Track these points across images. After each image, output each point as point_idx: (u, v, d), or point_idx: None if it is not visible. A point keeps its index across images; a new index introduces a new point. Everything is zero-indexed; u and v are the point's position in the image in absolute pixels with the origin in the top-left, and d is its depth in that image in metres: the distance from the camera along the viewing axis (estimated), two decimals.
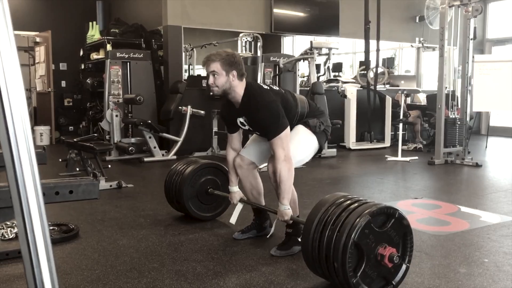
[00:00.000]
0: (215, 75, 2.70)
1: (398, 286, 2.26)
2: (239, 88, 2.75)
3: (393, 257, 2.14)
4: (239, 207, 3.12)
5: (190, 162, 3.56)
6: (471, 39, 6.43)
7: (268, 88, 2.83)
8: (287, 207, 2.74)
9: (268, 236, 3.00)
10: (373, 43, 7.23)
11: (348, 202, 2.24)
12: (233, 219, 3.12)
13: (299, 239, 2.85)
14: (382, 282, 2.22)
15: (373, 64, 7.58)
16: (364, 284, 2.13)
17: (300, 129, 2.90)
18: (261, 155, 3.00)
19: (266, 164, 2.97)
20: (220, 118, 3.11)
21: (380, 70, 7.90)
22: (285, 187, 2.70)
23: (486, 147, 8.34)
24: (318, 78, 7.62)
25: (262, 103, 2.69)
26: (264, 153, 2.96)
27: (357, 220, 2.09)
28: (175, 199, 3.51)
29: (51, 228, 3.19)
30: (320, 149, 3.03)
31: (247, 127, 2.88)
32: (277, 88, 2.94)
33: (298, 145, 2.85)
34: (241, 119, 2.85)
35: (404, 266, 2.26)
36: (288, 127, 2.72)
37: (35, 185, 0.68)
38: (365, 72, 7.82)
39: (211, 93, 2.80)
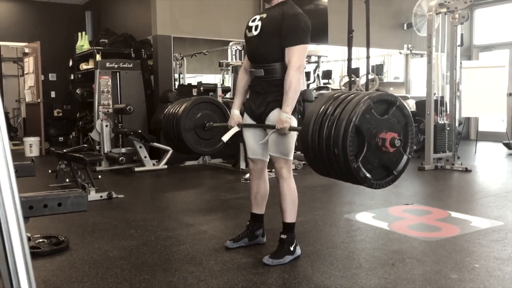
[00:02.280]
0: None
1: (399, 176, 2.25)
2: None
3: (395, 140, 2.11)
4: (235, 129, 3.02)
5: (188, 100, 3.46)
6: (459, 46, 6.50)
7: None
8: (288, 116, 2.67)
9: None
10: (363, 50, 7.27)
11: (346, 94, 2.22)
12: (225, 138, 3.01)
13: (291, 248, 2.86)
14: (384, 172, 2.20)
15: (362, 71, 7.62)
16: (365, 170, 2.09)
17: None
18: (262, 147, 2.96)
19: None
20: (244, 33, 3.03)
21: (370, 76, 7.95)
22: (292, 95, 2.66)
23: (475, 152, 8.41)
24: (308, 85, 7.65)
25: (300, 12, 2.73)
26: (260, 146, 2.94)
27: (358, 105, 2.05)
28: (173, 135, 3.39)
29: (40, 240, 3.16)
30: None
31: (255, 24, 2.82)
32: None
33: (291, 139, 2.82)
34: (259, 16, 2.84)
35: (405, 157, 2.23)
36: (308, 46, 2.73)
37: (14, 202, 0.67)
38: (348, 80, 7.86)
39: None
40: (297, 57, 2.67)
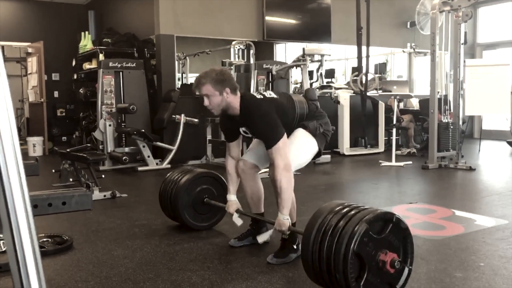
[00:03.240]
0: (209, 97, 2.71)
1: None
2: (235, 102, 2.76)
3: (395, 262, 2.13)
4: (235, 215, 3.08)
5: (186, 171, 3.54)
6: (462, 44, 6.48)
7: (262, 97, 2.82)
8: (286, 217, 2.70)
9: (259, 241, 2.92)
10: (363, 49, 7.27)
11: (346, 210, 2.22)
12: (238, 223, 3.07)
13: (295, 246, 2.85)
14: (386, 287, 2.21)
15: (364, 70, 7.61)
16: None
17: (300, 132, 2.89)
18: (263, 158, 2.98)
19: (266, 170, 2.98)
20: (220, 128, 3.12)
21: (370, 76, 7.94)
22: (285, 197, 2.68)
23: (479, 150, 8.38)
24: (311, 84, 7.64)
25: (257, 114, 2.70)
26: (266, 158, 2.93)
27: (355, 228, 2.07)
28: (170, 207, 3.48)
29: (44, 239, 3.17)
30: (319, 153, 3.00)
31: (250, 135, 2.91)
32: (271, 95, 2.90)
33: (299, 148, 2.85)
34: (244, 128, 2.88)
35: (406, 270, 2.25)
36: (285, 135, 2.72)
37: (23, 198, 0.67)
38: (357, 78, 7.86)
39: (215, 113, 2.86)
40: (279, 155, 2.66)
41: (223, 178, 3.50)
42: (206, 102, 2.73)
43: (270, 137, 2.68)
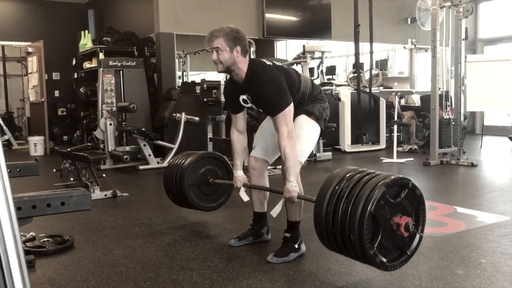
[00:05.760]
0: (219, 51, 2.68)
1: (413, 256, 2.27)
2: (242, 64, 2.72)
3: (409, 225, 2.15)
4: (242, 190, 3.06)
5: (190, 154, 3.49)
6: (463, 40, 6.45)
7: (271, 64, 2.79)
8: (294, 184, 2.67)
9: (274, 215, 2.83)
10: (366, 45, 7.25)
11: (359, 175, 2.23)
12: (245, 198, 3.06)
13: (296, 246, 2.84)
14: (397, 252, 2.23)
15: (366, 66, 7.58)
16: (381, 255, 2.13)
17: (304, 122, 2.85)
18: (270, 150, 2.97)
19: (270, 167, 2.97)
20: (225, 100, 3.09)
21: (374, 72, 7.92)
22: (290, 164, 2.65)
23: (481, 146, 8.36)
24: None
25: (265, 80, 2.67)
26: (273, 147, 2.94)
27: (372, 191, 2.08)
28: (175, 189, 3.41)
29: (45, 239, 3.16)
30: (321, 133, 2.98)
31: (249, 105, 2.85)
32: (280, 64, 2.88)
33: (306, 140, 2.82)
34: (244, 96, 2.82)
35: (418, 236, 2.27)
36: (292, 104, 2.70)
37: (7, 203, 0.66)
38: (356, 74, 7.83)
39: (217, 70, 2.78)
40: (284, 124, 2.64)
41: (227, 160, 3.49)
42: (215, 56, 2.69)
43: (277, 103, 2.66)
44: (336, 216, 2.16)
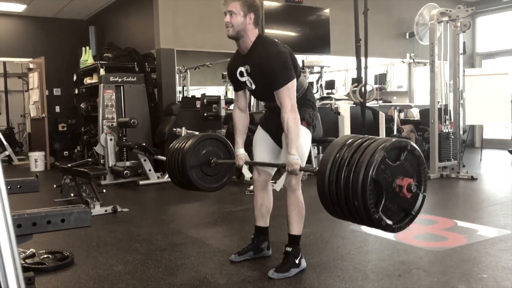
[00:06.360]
0: (232, 15, 2.72)
1: (418, 215, 2.28)
2: (251, 33, 2.77)
3: (411, 186, 2.18)
4: (245, 167, 3.05)
5: (190, 137, 3.43)
6: (461, 54, 6.50)
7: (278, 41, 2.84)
8: (296, 157, 2.67)
9: (277, 190, 2.80)
10: (363, 60, 7.29)
11: (359, 141, 2.25)
12: (247, 175, 3.04)
13: (297, 261, 2.84)
14: (402, 213, 2.25)
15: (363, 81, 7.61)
16: (386, 218, 2.15)
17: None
18: (270, 160, 2.98)
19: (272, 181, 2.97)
20: (228, 77, 3.10)
21: (369, 88, 7.95)
22: (293, 137, 2.67)
23: (480, 160, 8.36)
24: None
25: (273, 52, 2.70)
26: (269, 158, 2.96)
27: (372, 157, 2.10)
28: (177, 171, 3.35)
29: (45, 256, 3.16)
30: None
31: (244, 78, 2.86)
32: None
33: (301, 151, 2.81)
34: (242, 68, 2.84)
35: (421, 196, 2.29)
36: (295, 80, 2.73)
37: (6, 222, 0.66)
38: (355, 88, 7.87)
39: (228, 34, 2.80)
40: (288, 97, 2.67)
41: (228, 141, 3.49)
42: (228, 18, 2.73)
43: (282, 76, 2.68)
44: (338, 184, 2.18)
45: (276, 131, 2.90)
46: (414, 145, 2.27)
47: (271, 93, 2.75)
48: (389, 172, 2.16)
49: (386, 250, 3.33)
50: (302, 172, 2.85)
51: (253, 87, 2.88)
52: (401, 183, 2.17)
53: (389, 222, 2.17)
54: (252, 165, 3.06)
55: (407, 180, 2.18)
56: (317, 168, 2.34)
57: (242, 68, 2.85)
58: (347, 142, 2.27)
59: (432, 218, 4.25)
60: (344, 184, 2.15)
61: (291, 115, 2.66)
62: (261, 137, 3.04)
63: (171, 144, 3.48)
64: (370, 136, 2.31)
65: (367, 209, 2.09)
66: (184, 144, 3.34)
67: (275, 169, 3.03)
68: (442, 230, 3.83)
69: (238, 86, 2.99)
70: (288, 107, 2.66)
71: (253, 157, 3.12)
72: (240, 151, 3.05)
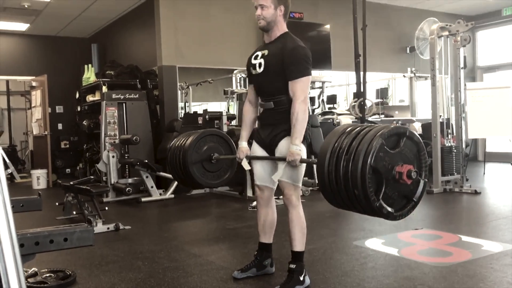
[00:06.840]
0: (264, 8, 2.80)
1: (419, 202, 2.26)
2: (280, 25, 2.87)
3: (411, 173, 2.16)
4: (245, 160, 3.04)
5: (191, 133, 3.43)
6: (462, 68, 6.52)
7: None
8: (299, 148, 2.69)
9: (275, 180, 2.85)
10: (368, 74, 7.33)
11: (357, 129, 2.24)
12: (246, 168, 3.04)
13: (301, 278, 2.82)
14: (403, 200, 2.23)
15: (367, 95, 7.64)
16: (387, 206, 2.13)
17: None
18: (267, 176, 2.96)
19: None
20: (247, 69, 3.10)
21: (368, 103, 7.97)
22: (299, 128, 2.70)
23: (484, 173, 8.33)
24: (313, 111, 7.68)
25: (297, 45, 2.80)
26: (268, 172, 2.95)
27: (370, 144, 2.09)
28: (179, 168, 3.36)
29: (47, 275, 3.14)
30: None
31: (257, 61, 2.90)
32: None
33: (302, 165, 2.81)
34: (260, 52, 2.91)
35: (422, 182, 2.26)
36: (311, 77, 2.81)
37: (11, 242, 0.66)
38: (356, 103, 7.89)
39: (259, 26, 2.88)
40: (301, 89, 2.74)
41: (229, 138, 3.48)
42: (259, 11, 2.80)
43: (302, 67, 2.75)
44: (338, 173, 2.17)
45: (270, 143, 2.90)
46: (413, 131, 2.27)
47: (275, 84, 2.81)
48: (388, 159, 2.14)
49: (390, 266, 3.30)
50: (301, 186, 2.85)
51: (260, 70, 2.91)
52: (401, 169, 2.16)
53: (390, 209, 2.15)
54: (252, 159, 3.04)
55: (407, 167, 2.16)
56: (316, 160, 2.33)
57: (259, 52, 2.94)
58: (346, 130, 2.27)
59: (436, 233, 4.23)
60: (344, 173, 2.14)
61: (302, 106, 2.72)
62: (259, 154, 3.03)
63: (172, 142, 3.49)
64: (369, 124, 2.30)
65: (367, 197, 2.07)
66: (185, 141, 3.34)
67: (276, 183, 3.02)
68: (447, 245, 3.80)
69: (251, 77, 3.04)
70: (301, 97, 2.72)
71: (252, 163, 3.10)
72: (243, 144, 3.07)
